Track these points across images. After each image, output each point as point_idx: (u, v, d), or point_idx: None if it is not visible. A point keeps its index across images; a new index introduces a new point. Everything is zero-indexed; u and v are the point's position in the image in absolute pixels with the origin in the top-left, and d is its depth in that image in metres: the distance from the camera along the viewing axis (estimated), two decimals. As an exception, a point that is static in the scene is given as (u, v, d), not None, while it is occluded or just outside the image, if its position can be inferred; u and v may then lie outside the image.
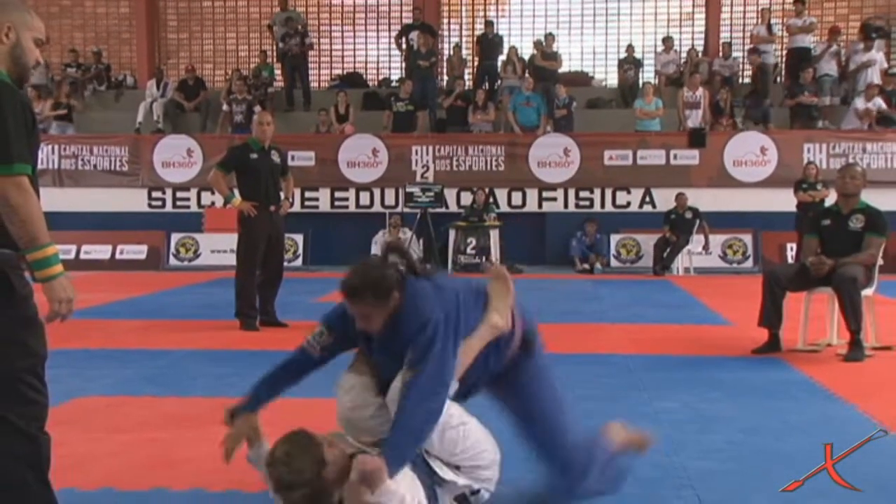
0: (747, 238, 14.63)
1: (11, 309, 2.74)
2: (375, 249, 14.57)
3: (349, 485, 2.94)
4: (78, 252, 14.95)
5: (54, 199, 15.49)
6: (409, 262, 3.27)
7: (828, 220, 6.97)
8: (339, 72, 19.86)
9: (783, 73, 17.51)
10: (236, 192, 8.21)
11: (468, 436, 3.16)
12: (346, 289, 3.17)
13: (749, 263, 14.51)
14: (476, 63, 18.19)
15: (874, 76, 15.84)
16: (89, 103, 18.05)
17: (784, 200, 13.67)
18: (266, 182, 8.07)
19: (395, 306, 3.17)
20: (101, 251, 15.00)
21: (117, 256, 14.95)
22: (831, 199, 10.23)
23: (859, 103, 15.28)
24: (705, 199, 14.38)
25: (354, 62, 20.06)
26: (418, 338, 3.08)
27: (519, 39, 18.95)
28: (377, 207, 15.37)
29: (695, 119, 15.39)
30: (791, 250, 13.43)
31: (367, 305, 3.15)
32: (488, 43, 17.43)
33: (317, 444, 3.02)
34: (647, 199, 15.15)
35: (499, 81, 17.37)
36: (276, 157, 8.22)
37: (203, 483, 3.70)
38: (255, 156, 8.07)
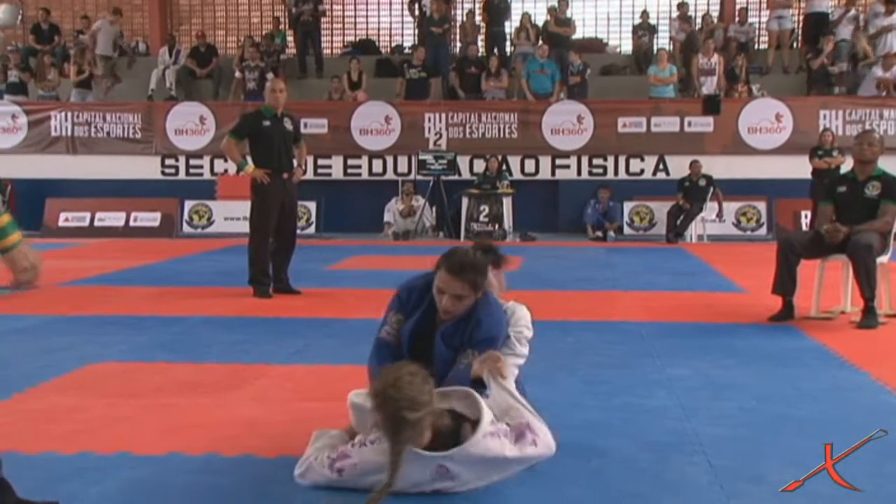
0: (761, 205, 14.57)
1: None
2: (388, 217, 14.59)
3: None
4: (92, 219, 15.03)
5: (68, 166, 15.62)
6: (488, 257, 3.50)
7: (843, 187, 6.92)
8: (351, 39, 19.78)
9: (799, 38, 17.33)
10: (249, 159, 8.20)
11: None
12: (454, 264, 3.40)
13: (763, 231, 14.45)
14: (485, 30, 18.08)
15: (894, 42, 15.64)
16: (102, 70, 18.02)
17: (799, 167, 13.59)
18: (279, 149, 8.05)
19: (476, 301, 3.45)
20: (115, 218, 15.05)
21: (131, 224, 14.99)
22: (847, 165, 10.19)
23: (878, 71, 15.12)
24: (719, 167, 14.30)
25: (367, 29, 19.97)
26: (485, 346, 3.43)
27: (532, 5, 18.81)
28: (390, 175, 15.35)
29: (710, 86, 15.28)
30: (805, 218, 13.36)
31: (465, 286, 3.39)
32: (495, 9, 17.27)
33: (424, 377, 3.06)
34: (661, 166, 15.08)
35: (511, 48, 17.26)
36: (288, 125, 8.20)
37: (217, 448, 3.72)
38: (267, 123, 8.05)
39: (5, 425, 4.04)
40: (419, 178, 14.80)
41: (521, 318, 3.68)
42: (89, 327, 6.49)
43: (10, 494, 2.83)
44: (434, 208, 14.69)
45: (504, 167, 14.91)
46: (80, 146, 15.71)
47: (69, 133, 15.73)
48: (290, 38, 18.24)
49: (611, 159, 15.15)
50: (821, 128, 14.28)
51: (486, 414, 3.12)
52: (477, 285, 3.42)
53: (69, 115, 15.78)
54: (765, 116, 14.85)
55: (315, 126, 14.93)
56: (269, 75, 15.95)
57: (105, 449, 3.66)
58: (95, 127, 15.74)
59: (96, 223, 14.99)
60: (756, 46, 17.77)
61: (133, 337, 6.15)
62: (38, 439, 3.82)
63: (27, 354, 5.59)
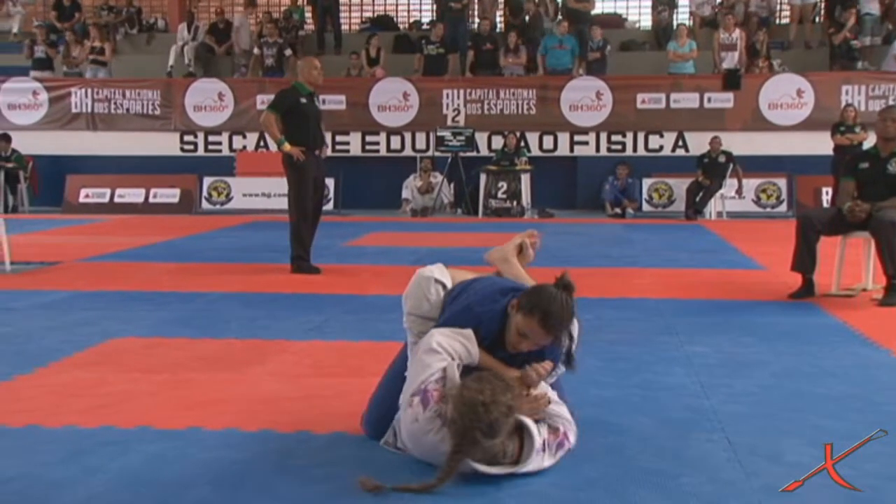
0: (781, 182, 14.47)
1: None
2: (406, 193, 14.58)
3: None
4: (112, 195, 15.11)
5: (88, 142, 15.69)
6: (572, 298, 3.33)
7: (865, 164, 6.86)
8: (370, 15, 19.70)
9: (822, 12, 17.15)
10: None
11: None
12: (549, 321, 3.21)
13: (783, 208, 14.36)
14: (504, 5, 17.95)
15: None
16: (121, 47, 18.06)
17: (820, 144, 13.49)
18: (313, 127, 8.13)
19: None
20: (134, 195, 15.11)
21: (150, 200, 15.06)
22: (869, 142, 10.10)
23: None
24: (739, 143, 14.20)
25: (385, 5, 19.90)
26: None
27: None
28: (408, 151, 15.32)
29: (730, 61, 15.15)
30: (826, 194, 13.26)
31: (553, 339, 3.27)
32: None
33: (512, 392, 3.07)
34: (680, 142, 15.00)
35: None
36: (317, 102, 8.37)
37: (237, 423, 3.75)
38: (304, 100, 8.11)
39: (28, 399, 4.08)
40: (437, 154, 14.77)
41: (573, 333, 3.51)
42: (110, 303, 6.53)
43: None
44: (452, 185, 14.67)
45: (522, 143, 14.85)
46: (100, 122, 15.77)
47: (89, 109, 15.78)
48: (308, 15, 18.19)
49: (630, 135, 15.08)
50: (843, 103, 14.15)
51: (535, 433, 3.11)
52: (561, 337, 3.31)
53: (89, 91, 15.82)
54: (786, 92, 14.73)
55: (333, 102, 14.92)
56: (288, 52, 15.96)
57: (126, 423, 3.69)
58: (115, 103, 15.78)
59: (116, 199, 15.06)
60: (777, 21, 17.59)
61: (154, 312, 6.19)
62: (60, 413, 3.85)
63: (49, 329, 5.64)
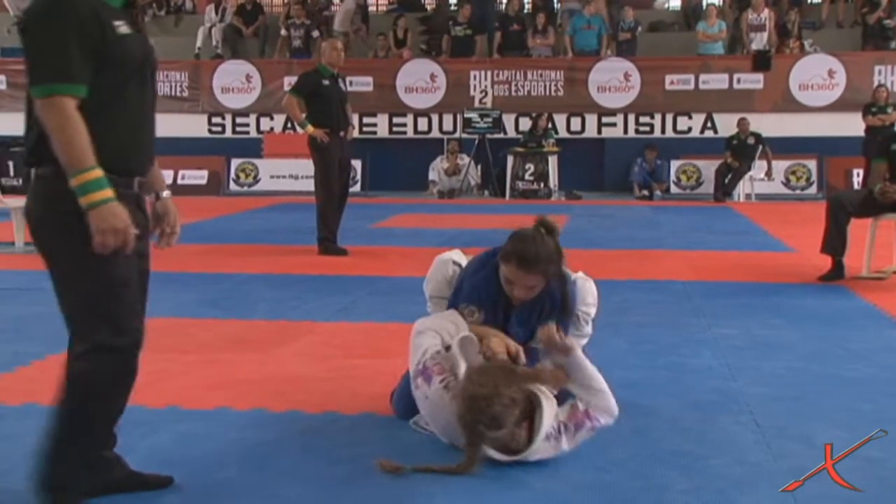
0: (811, 164, 14.33)
1: None
2: (433, 175, 14.57)
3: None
4: (141, 177, 15.19)
5: (116, 124, 15.75)
6: (555, 237, 3.37)
7: (897, 145, 6.78)
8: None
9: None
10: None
11: None
12: (524, 260, 3.26)
13: (813, 190, 14.23)
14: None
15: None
16: (149, 28, 18.12)
17: (851, 125, 13.35)
18: (336, 108, 8.15)
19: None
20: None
21: (179, 181, 15.11)
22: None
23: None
24: (769, 124, 14.07)
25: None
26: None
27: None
28: (435, 133, 15.30)
29: (759, 42, 14.99)
30: (857, 176, 13.10)
31: (538, 276, 3.29)
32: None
33: (517, 381, 3.08)
34: (709, 124, 14.88)
35: (558, 4, 17.04)
36: (342, 84, 8.37)
37: (265, 404, 3.77)
38: (326, 82, 8.15)
39: (56, 379, 4.12)
40: (464, 136, 14.74)
41: (588, 295, 3.59)
42: (139, 284, 6.58)
43: (123, 467, 2.87)
44: (479, 167, 14.64)
45: (550, 125, 14.79)
46: (129, 104, 15.81)
47: (117, 91, 15.84)
48: (335, -4, 18.15)
49: (658, 117, 14.98)
50: (875, 84, 13.99)
51: (545, 421, 3.09)
52: (549, 273, 3.32)
53: (117, 73, 15.87)
54: (817, 73, 14.56)
55: (360, 84, 14.90)
56: (315, 33, 15.94)
57: (155, 403, 3.72)
58: (143, 85, 15.82)
59: (145, 181, 15.15)
60: (810, 0, 17.38)
61: (182, 294, 6.23)
62: (91, 393, 3.89)
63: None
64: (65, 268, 2.59)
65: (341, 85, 8.37)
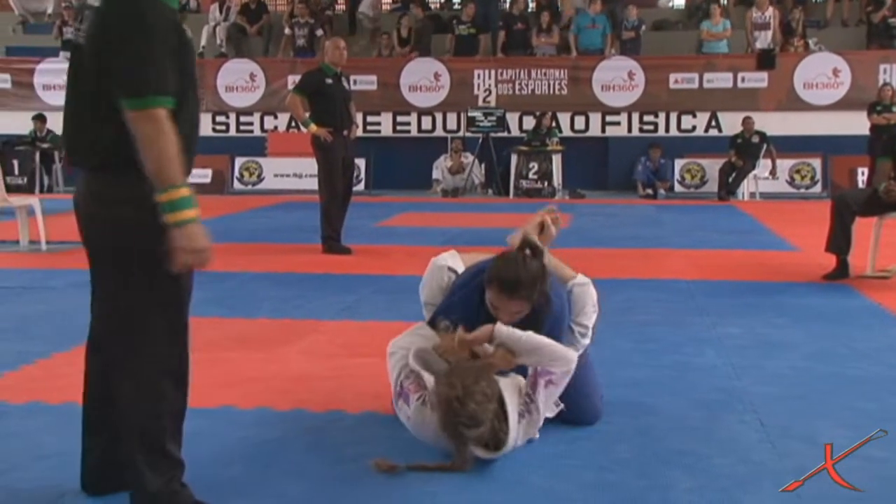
0: (816, 162, 14.31)
1: None
2: (437, 174, 14.57)
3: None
4: (145, 176, 15.19)
5: (121, 123, 15.77)
6: (540, 259, 3.29)
7: (902, 144, 6.77)
8: (400, -6, 19.60)
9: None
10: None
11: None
12: (506, 286, 3.20)
13: (817, 188, 14.20)
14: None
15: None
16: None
17: (856, 124, 13.31)
18: (339, 107, 8.16)
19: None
20: (167, 175, 15.18)
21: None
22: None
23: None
24: (773, 123, 14.05)
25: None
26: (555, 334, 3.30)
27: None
28: (439, 132, 15.30)
29: (763, 40, 14.97)
30: (862, 175, 13.09)
31: (520, 302, 3.22)
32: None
33: (492, 378, 3.08)
34: (713, 123, 14.86)
35: (560, 3, 17.02)
36: (346, 83, 8.37)
37: (269, 402, 3.78)
38: (329, 81, 8.16)
39: (65, 377, 4.13)
40: (468, 134, 14.74)
41: (587, 303, 3.50)
42: (143, 282, 6.58)
43: (189, 498, 2.76)
44: (483, 165, 14.64)
45: (554, 124, 14.78)
46: (133, 103, 15.81)
47: (122, 90, 15.85)
48: (339, -6, 18.17)
49: (662, 116, 14.95)
50: (880, 82, 13.96)
51: (508, 400, 3.11)
52: (532, 298, 3.23)
53: (122, 72, 15.87)
54: (821, 71, 14.54)
55: (364, 83, 14.89)
56: (319, 32, 15.94)
57: (160, 401, 3.72)
58: (147, 84, 15.82)
59: (149, 180, 15.15)
60: (814, -1, 17.36)
61: (186, 292, 6.22)
62: (96, 391, 3.90)
63: (86, 308, 5.67)
64: (139, 279, 2.57)
65: (345, 84, 8.37)
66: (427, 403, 3.13)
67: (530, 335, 3.17)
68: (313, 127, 8.05)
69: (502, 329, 3.18)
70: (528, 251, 3.27)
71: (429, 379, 3.17)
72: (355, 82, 13.03)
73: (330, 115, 8.09)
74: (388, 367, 3.36)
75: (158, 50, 2.40)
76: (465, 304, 3.35)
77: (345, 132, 8.19)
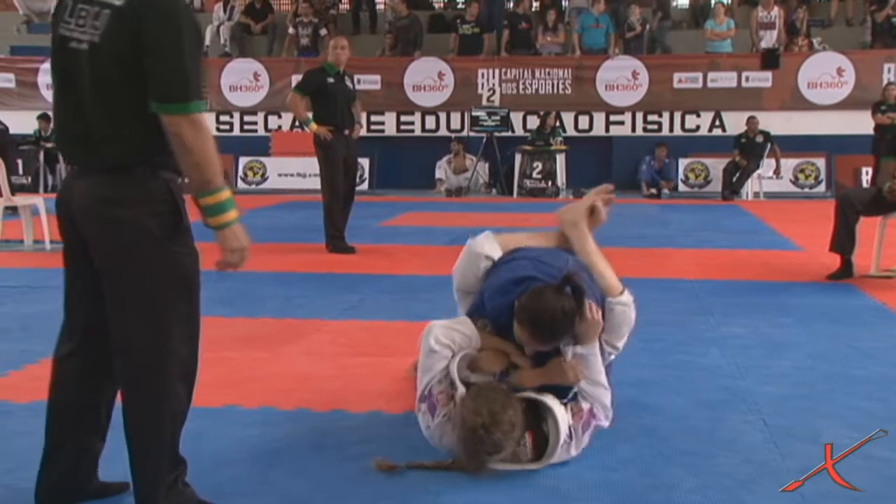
0: (820, 162, 14.29)
1: None
2: (440, 173, 14.57)
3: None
4: (149, 175, 15.21)
5: (125, 123, 15.78)
6: (580, 299, 3.11)
7: (907, 143, 6.77)
8: (404, -6, 19.59)
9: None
10: (309, 115, 8.27)
11: None
12: (539, 334, 3.08)
13: (821, 188, 14.18)
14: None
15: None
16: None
17: (860, 123, 13.28)
18: (341, 106, 8.15)
19: None
20: (171, 175, 15.20)
21: (187, 180, 15.17)
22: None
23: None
24: (777, 122, 14.03)
25: (420, -16, 19.76)
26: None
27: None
28: (443, 131, 15.28)
29: (768, 40, 14.95)
30: (866, 174, 13.08)
31: (556, 343, 3.14)
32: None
33: (513, 403, 3.04)
34: (717, 122, 14.84)
35: (566, 2, 17.02)
36: (348, 82, 8.35)
37: (272, 402, 3.78)
38: (331, 80, 8.15)
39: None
40: (472, 134, 14.73)
41: (623, 325, 3.35)
42: (147, 282, 6.58)
43: (192, 497, 2.75)
44: (487, 165, 14.63)
45: (558, 123, 14.77)
46: (137, 103, 15.83)
47: (126, 90, 15.86)
48: (344, -6, 18.17)
49: (666, 115, 14.94)
50: (884, 82, 13.92)
51: (561, 427, 3.08)
52: (563, 342, 3.13)
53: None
54: (826, 71, 14.52)
55: (368, 82, 14.88)
56: (323, 31, 15.95)
57: (164, 401, 3.72)
58: (152, 84, 15.83)
59: (153, 179, 15.17)
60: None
61: (190, 291, 6.23)
62: (99, 391, 3.90)
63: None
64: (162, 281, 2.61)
65: (348, 83, 8.34)
66: (451, 420, 3.08)
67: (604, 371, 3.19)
68: (313, 126, 8.06)
69: (595, 347, 3.17)
70: (567, 289, 3.08)
71: (461, 392, 3.09)
72: (359, 81, 13.04)
73: (331, 114, 8.08)
74: (423, 362, 3.20)
75: (197, 55, 2.45)
76: (500, 317, 3.24)
77: (346, 131, 8.17)
